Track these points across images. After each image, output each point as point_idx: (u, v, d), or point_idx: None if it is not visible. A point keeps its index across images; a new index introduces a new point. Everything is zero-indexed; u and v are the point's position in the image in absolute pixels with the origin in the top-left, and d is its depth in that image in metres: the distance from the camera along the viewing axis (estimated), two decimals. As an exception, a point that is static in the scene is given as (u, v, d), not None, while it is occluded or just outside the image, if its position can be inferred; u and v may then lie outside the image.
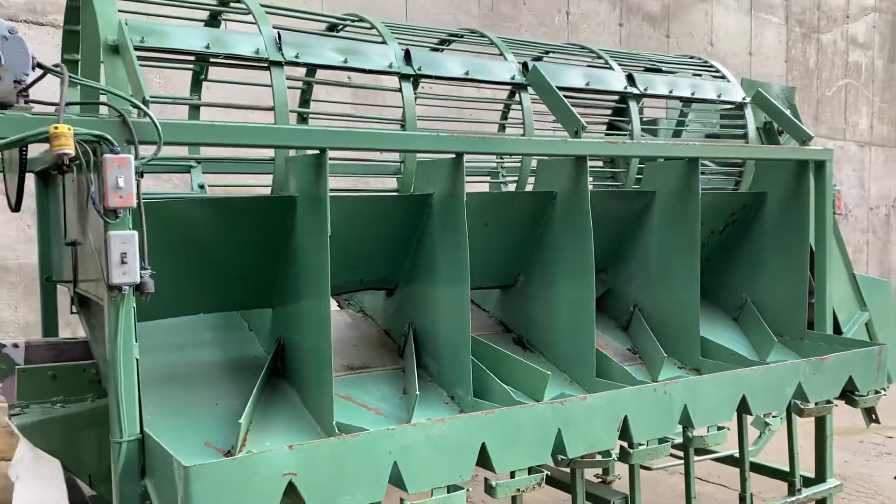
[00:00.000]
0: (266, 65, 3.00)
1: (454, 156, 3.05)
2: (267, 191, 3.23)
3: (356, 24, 3.59)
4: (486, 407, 2.96)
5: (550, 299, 3.57)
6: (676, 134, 5.01)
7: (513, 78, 3.62)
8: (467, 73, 3.47)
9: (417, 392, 2.91)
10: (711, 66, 4.75)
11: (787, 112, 4.49)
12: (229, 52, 2.89)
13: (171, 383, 2.90)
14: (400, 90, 3.32)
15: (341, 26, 3.78)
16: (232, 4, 3.39)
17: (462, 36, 4.07)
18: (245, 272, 3.06)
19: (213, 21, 3.57)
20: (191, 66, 3.56)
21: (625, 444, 3.04)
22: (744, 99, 4.52)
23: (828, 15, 12.15)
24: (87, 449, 2.83)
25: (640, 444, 2.96)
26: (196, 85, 3.82)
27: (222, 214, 2.90)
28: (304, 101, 4.03)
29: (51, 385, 2.86)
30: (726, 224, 4.41)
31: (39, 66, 2.28)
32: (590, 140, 3.40)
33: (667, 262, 3.89)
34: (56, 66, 2.33)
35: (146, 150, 2.34)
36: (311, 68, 3.30)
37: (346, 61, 3.15)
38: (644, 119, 4.60)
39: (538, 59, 4.19)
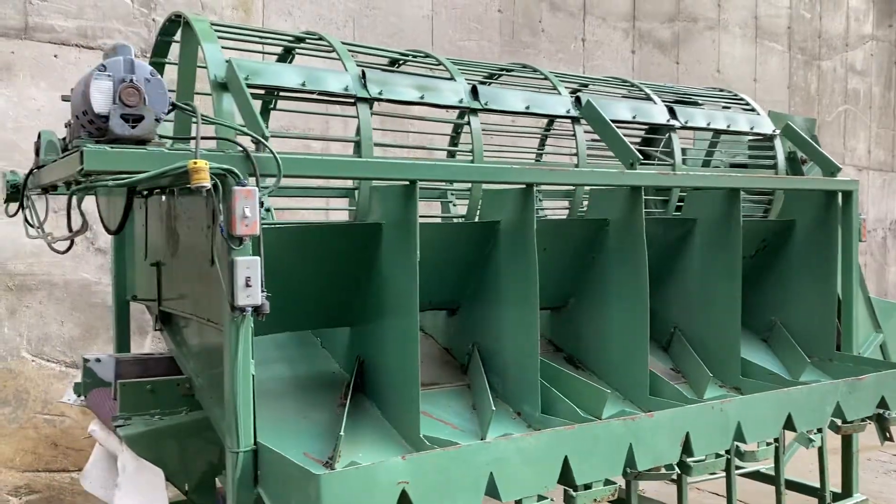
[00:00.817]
0: (353, 101, 3.21)
1: (524, 186, 3.28)
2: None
3: (419, 60, 3.81)
4: (554, 423, 3.16)
5: (603, 321, 3.78)
6: (705, 164, 5.26)
7: (567, 111, 3.85)
8: (528, 108, 3.70)
9: (493, 408, 3.11)
10: (742, 100, 5.01)
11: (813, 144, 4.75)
12: (323, 90, 3.10)
13: (262, 398, 3.08)
14: (468, 123, 3.54)
15: (403, 61, 4.01)
16: (308, 41, 3.61)
17: (511, 70, 4.31)
18: (327, 293, 3.26)
19: (285, 56, 3.79)
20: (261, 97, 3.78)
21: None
22: (774, 131, 4.78)
23: (828, 43, 12.53)
24: (186, 458, 3.00)
25: (700, 458, 3.17)
26: (264, 115, 4.02)
27: (312, 240, 3.11)
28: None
29: (149, 398, 3.03)
30: (757, 250, 4.64)
31: (173, 105, 2.48)
32: (645, 172, 3.63)
33: (708, 285, 4.12)
34: (187, 104, 2.53)
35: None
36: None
37: (422, 97, 3.36)
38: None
39: (575, 91, 4.42)
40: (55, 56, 5.61)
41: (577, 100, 3.94)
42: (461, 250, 3.45)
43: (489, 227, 3.42)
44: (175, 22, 3.37)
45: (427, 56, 3.82)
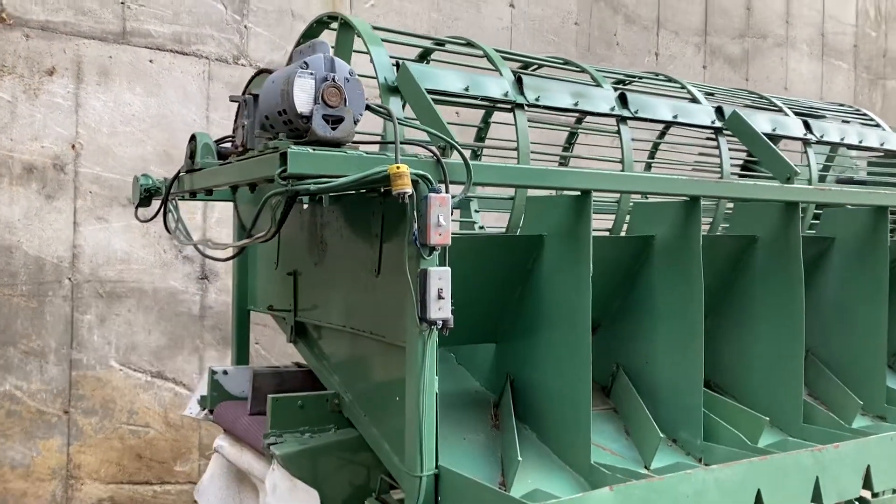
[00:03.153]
0: (510, 107, 3.07)
1: (688, 198, 3.12)
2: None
3: (564, 65, 3.68)
4: (719, 452, 2.98)
5: (748, 343, 3.59)
6: (821, 179, 5.06)
7: (713, 122, 3.69)
8: (675, 117, 3.54)
9: (661, 435, 2.93)
10: (864, 114, 4.82)
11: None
12: (485, 95, 2.97)
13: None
14: (618, 133, 3.39)
15: (537, 66, 3.87)
16: (453, 45, 3.49)
17: (641, 77, 4.15)
18: (476, 308, 3.10)
19: (422, 59, 3.67)
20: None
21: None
22: (902, 148, 4.58)
23: (893, 63, 12.29)
24: (338, 480, 2.85)
25: (880, 494, 2.97)
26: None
27: (469, 251, 2.95)
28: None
29: (299, 414, 2.89)
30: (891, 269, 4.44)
31: (368, 107, 2.35)
32: (804, 187, 3.46)
33: (848, 308, 3.92)
34: (381, 107, 2.40)
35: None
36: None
37: (577, 104, 3.22)
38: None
39: (694, 100, 4.24)
40: (150, 61, 5.55)
41: (719, 110, 3.78)
42: (609, 265, 3.28)
43: (644, 241, 3.26)
44: (323, 23, 3.26)
45: (567, 62, 3.68)
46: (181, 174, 3.02)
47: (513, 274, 3.01)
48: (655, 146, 4.92)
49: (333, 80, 2.20)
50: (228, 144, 2.93)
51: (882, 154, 4.74)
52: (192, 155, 2.88)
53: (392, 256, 2.65)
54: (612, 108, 3.34)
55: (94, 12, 5.34)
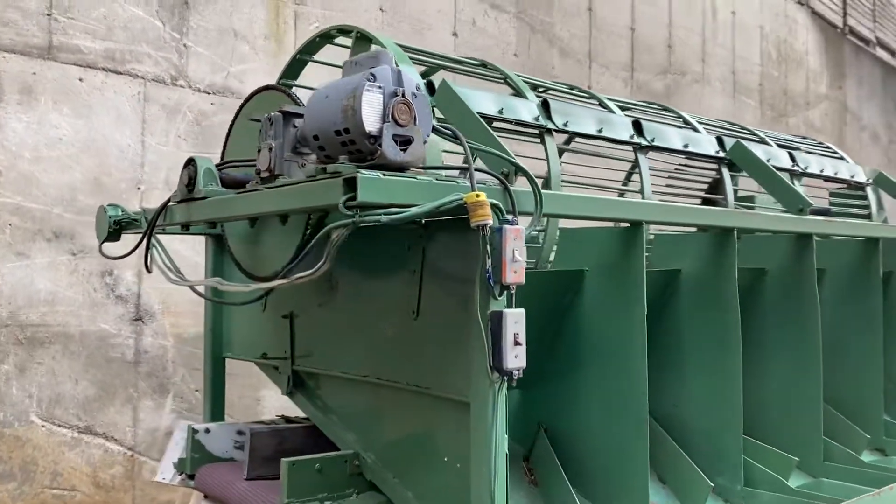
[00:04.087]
0: (538, 131, 2.85)
1: (720, 230, 2.97)
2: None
3: (577, 94, 3.50)
4: (763, 498, 2.82)
5: (762, 380, 3.47)
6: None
7: (717, 152, 3.60)
8: (686, 146, 3.42)
9: (711, 483, 2.73)
10: (829, 147, 4.91)
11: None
12: (517, 118, 2.73)
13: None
14: (636, 161, 3.23)
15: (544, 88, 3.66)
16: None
17: (645, 108, 4.03)
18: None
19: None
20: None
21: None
22: (868, 180, 4.67)
23: (793, 101, 13.00)
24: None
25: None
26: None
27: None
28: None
29: (317, 479, 2.51)
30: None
31: (433, 128, 2.05)
32: (818, 219, 3.39)
33: (841, 339, 3.89)
34: (447, 128, 2.11)
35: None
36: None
37: (601, 130, 3.03)
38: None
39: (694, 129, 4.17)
40: (80, 79, 5.00)
41: (719, 140, 3.70)
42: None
43: (671, 275, 3.09)
44: (328, 37, 2.94)
45: (580, 90, 3.50)
46: (171, 204, 2.60)
47: (547, 313, 2.76)
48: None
49: (403, 94, 1.89)
50: (229, 170, 2.56)
51: (845, 186, 4.83)
52: (189, 182, 2.48)
53: (434, 297, 2.35)
54: (631, 137, 3.18)
55: (15, 23, 4.76)
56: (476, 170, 2.14)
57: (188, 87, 5.59)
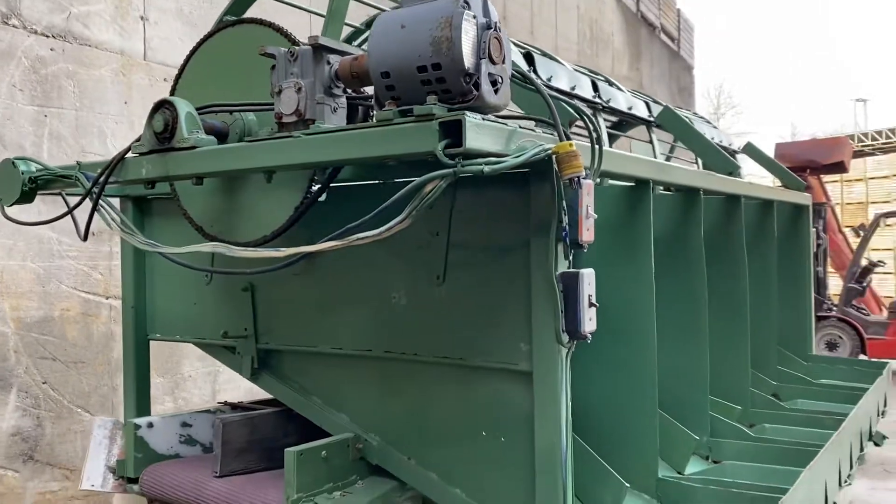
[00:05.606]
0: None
1: (686, 190, 3.03)
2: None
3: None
4: (725, 447, 2.95)
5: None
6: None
7: (648, 116, 3.68)
8: (630, 109, 3.46)
9: (696, 438, 2.79)
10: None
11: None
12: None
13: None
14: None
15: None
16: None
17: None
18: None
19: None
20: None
21: None
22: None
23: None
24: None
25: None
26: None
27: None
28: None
29: (323, 468, 2.22)
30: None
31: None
32: (744, 181, 3.57)
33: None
34: (524, 75, 1.89)
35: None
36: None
37: (573, 88, 2.97)
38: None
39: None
40: None
41: (647, 105, 3.78)
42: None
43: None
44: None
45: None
46: (137, 155, 2.14)
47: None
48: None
49: (496, 27, 1.67)
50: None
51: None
52: (165, 129, 2.05)
53: (466, 260, 2.15)
54: (593, 97, 3.14)
55: None
56: (536, 119, 1.97)
57: (22, 27, 4.75)
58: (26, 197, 2.39)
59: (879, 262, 13.10)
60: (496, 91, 1.68)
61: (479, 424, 2.15)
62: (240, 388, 5.39)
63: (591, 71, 3.92)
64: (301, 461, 2.16)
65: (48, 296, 4.48)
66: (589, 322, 1.91)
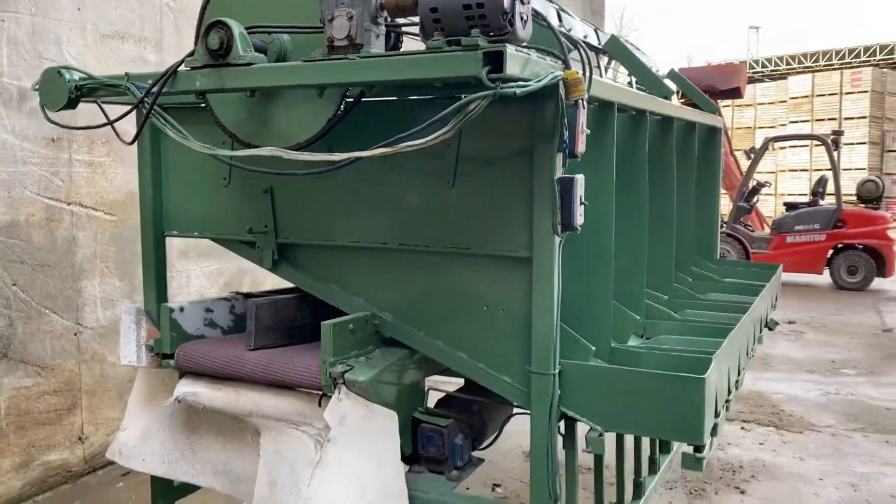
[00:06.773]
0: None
1: (634, 112, 3.54)
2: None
3: None
4: (659, 326, 3.58)
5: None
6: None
7: (598, 44, 4.14)
8: (586, 37, 3.90)
9: (637, 318, 3.40)
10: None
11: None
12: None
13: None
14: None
15: None
16: None
17: None
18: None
19: None
20: None
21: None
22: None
23: None
24: (403, 397, 2.76)
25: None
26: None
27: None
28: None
29: (350, 339, 2.68)
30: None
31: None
32: (677, 105, 4.12)
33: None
34: (537, 13, 2.30)
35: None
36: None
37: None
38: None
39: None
40: None
41: (595, 32, 4.22)
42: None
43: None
44: None
45: None
46: (184, 69, 2.45)
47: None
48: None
49: (525, -31, 2.08)
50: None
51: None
52: (222, 46, 2.36)
53: (474, 168, 2.60)
54: (558, 26, 3.56)
55: None
56: (539, 49, 2.40)
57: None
58: (71, 104, 2.64)
59: (766, 182, 14.35)
60: (524, 27, 2.10)
61: (483, 300, 2.64)
62: (191, 295, 5.69)
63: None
64: (336, 332, 2.61)
65: (14, 201, 4.60)
66: (580, 217, 2.41)
